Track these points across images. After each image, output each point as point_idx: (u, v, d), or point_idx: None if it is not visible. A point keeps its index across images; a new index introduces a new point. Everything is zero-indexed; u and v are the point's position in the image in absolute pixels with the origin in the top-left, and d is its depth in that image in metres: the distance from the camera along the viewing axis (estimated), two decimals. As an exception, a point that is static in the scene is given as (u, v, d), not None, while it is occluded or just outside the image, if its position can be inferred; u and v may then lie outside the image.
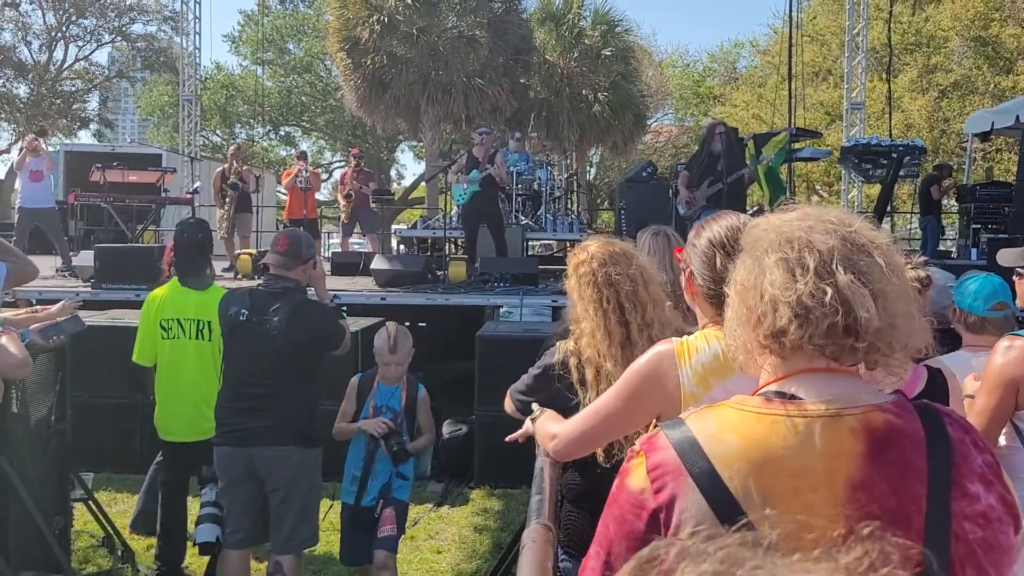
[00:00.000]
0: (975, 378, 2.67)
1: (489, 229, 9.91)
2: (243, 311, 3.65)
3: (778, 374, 1.18)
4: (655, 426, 1.45)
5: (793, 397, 1.14)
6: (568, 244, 15.02)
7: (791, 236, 1.16)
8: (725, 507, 1.07)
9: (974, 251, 11.07)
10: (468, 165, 9.76)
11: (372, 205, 12.33)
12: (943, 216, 13.98)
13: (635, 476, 1.15)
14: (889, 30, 15.99)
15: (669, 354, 1.87)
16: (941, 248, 13.10)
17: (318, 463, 3.76)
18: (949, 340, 2.88)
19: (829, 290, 1.10)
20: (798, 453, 1.08)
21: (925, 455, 1.09)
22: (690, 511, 1.08)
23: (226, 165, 10.78)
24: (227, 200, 10.48)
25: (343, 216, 11.90)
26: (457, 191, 9.97)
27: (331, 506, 4.42)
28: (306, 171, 10.97)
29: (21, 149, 9.79)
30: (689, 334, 2.38)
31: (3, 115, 29.79)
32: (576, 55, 19.38)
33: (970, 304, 2.88)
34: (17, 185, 10.16)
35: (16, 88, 29.92)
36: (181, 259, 4.52)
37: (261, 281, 3.86)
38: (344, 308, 5.20)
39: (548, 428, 2.19)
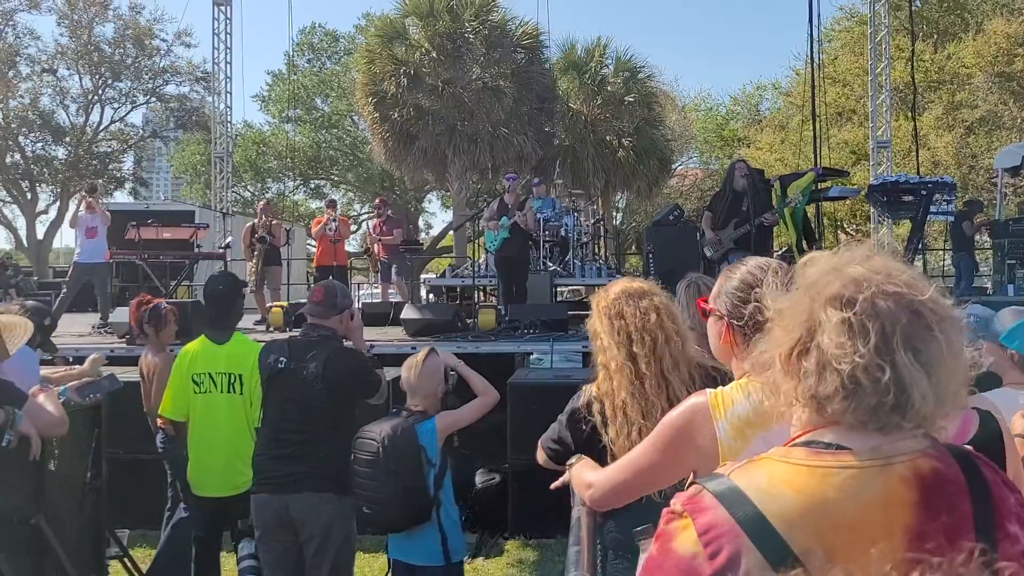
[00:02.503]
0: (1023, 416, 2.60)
1: (513, 274, 9.98)
2: (282, 359, 3.73)
3: (815, 423, 1.13)
4: (692, 482, 1.39)
5: (840, 447, 1.10)
6: (596, 289, 14.99)
7: (854, 296, 1.08)
8: (788, 567, 1.03)
9: (1011, 287, 10.89)
10: (499, 211, 9.89)
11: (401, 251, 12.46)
12: (976, 252, 13.80)
13: (683, 540, 1.08)
14: (912, 69, 16.00)
15: (703, 407, 1.79)
16: (976, 285, 12.90)
17: (352, 513, 3.72)
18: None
19: (887, 369, 1.05)
20: (855, 505, 1.05)
21: (969, 499, 1.07)
22: (753, 573, 1.04)
23: (256, 220, 10.94)
24: (255, 254, 10.61)
25: (375, 261, 12.08)
26: (489, 238, 10.11)
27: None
28: (335, 220, 11.10)
29: (77, 207, 10.09)
30: (715, 369, 2.34)
31: (42, 177, 30.62)
32: (599, 102, 19.56)
33: None
34: (75, 241, 10.52)
35: (54, 151, 30.83)
36: (207, 311, 4.62)
37: (299, 331, 3.93)
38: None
39: (584, 476, 2.14)
